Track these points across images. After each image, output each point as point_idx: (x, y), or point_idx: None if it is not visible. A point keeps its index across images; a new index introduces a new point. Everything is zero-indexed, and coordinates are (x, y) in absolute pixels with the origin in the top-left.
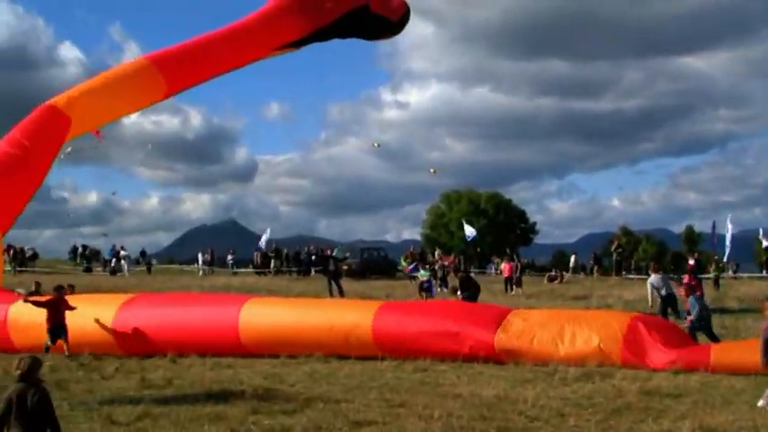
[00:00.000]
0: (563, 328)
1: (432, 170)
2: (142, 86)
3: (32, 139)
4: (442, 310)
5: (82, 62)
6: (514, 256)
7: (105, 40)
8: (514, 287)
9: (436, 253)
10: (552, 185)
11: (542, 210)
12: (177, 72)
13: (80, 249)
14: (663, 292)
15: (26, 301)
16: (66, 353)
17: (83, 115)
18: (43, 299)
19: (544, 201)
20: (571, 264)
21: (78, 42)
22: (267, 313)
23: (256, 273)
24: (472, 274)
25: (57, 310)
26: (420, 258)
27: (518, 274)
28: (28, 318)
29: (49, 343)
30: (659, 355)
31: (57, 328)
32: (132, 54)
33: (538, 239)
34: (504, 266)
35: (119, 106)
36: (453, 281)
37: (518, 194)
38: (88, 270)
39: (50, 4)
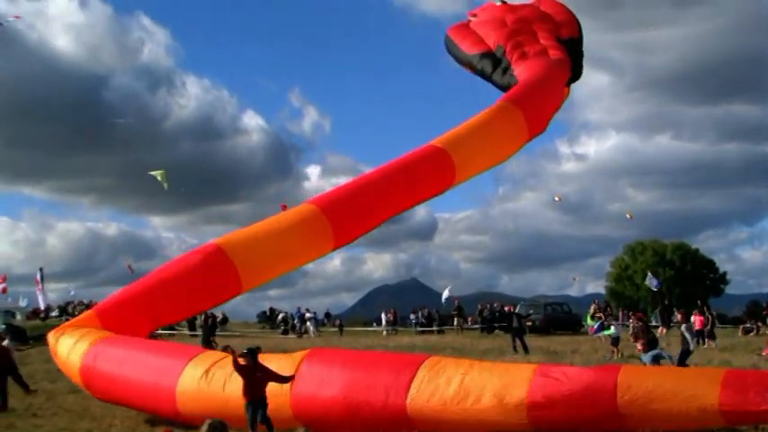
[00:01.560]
0: None
1: (628, 215)
2: (310, 236)
3: (194, 280)
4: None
5: (264, 129)
6: (705, 308)
7: (285, 106)
8: (707, 340)
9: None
10: (742, 233)
11: (733, 258)
12: (346, 221)
13: (268, 312)
14: None
15: (225, 349)
16: None
17: (248, 264)
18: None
19: (734, 249)
20: None
21: (260, 110)
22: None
23: (438, 331)
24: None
25: (253, 380)
26: (604, 314)
27: (709, 327)
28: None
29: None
30: None
31: (256, 403)
32: (311, 119)
33: (729, 290)
34: (696, 319)
35: (285, 258)
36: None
37: (705, 243)
38: (285, 333)
39: (234, 75)
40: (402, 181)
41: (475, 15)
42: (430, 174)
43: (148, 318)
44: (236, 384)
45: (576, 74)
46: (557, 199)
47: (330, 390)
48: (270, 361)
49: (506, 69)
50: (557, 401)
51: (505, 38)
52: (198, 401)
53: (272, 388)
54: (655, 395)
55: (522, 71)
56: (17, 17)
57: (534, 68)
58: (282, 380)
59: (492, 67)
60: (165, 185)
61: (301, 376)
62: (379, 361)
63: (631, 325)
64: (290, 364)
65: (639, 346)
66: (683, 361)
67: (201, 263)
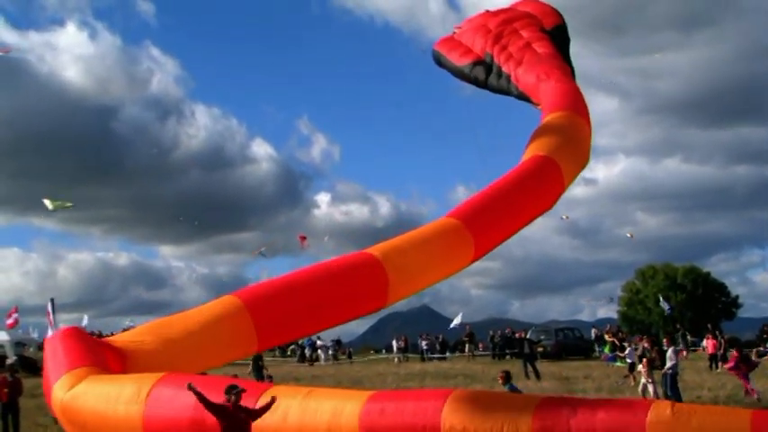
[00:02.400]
0: None
1: (629, 234)
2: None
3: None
4: None
5: (273, 157)
6: (717, 332)
7: (294, 134)
8: (720, 364)
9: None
10: (754, 256)
11: (745, 282)
12: (486, 232)
13: None
14: None
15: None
16: None
17: (400, 272)
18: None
19: (746, 272)
20: None
21: (268, 138)
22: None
23: (443, 358)
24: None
25: (232, 424)
26: (619, 345)
27: (722, 351)
28: None
29: None
30: None
31: None
32: (320, 146)
33: (742, 313)
34: (708, 343)
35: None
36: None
37: (717, 267)
38: (303, 359)
39: (242, 104)
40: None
41: (460, 28)
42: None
43: (303, 318)
44: None
45: (567, 62)
46: (564, 218)
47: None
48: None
49: (500, 74)
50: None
51: (491, 43)
52: None
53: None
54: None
55: (524, 72)
56: (7, 51)
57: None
58: (263, 411)
59: (485, 74)
60: (51, 207)
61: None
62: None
63: (641, 347)
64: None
65: (641, 368)
66: (674, 385)
67: (352, 269)
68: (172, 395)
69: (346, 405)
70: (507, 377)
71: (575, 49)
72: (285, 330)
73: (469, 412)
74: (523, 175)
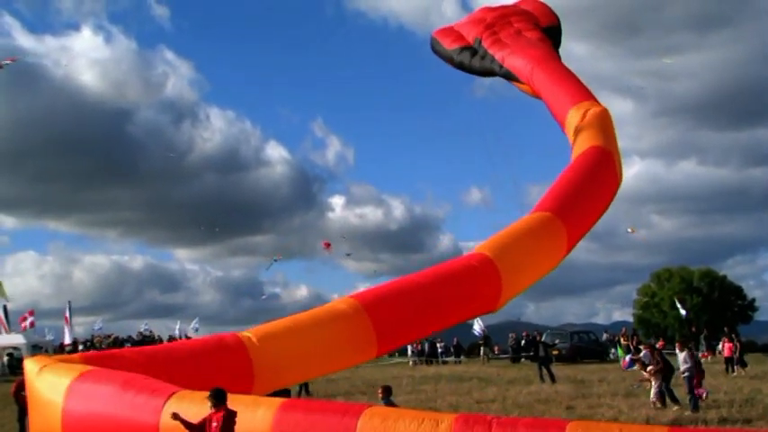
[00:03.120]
0: None
1: (630, 230)
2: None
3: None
4: None
5: (287, 160)
6: (732, 336)
7: (308, 136)
8: (737, 367)
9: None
10: None
11: (762, 285)
12: (576, 222)
13: None
14: None
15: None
16: None
17: (511, 277)
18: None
19: (763, 275)
20: None
21: (283, 140)
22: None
23: (458, 361)
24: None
25: None
26: (632, 342)
27: (737, 354)
28: None
29: None
30: None
31: None
32: (334, 149)
33: (758, 316)
34: (724, 346)
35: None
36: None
37: (733, 270)
38: None
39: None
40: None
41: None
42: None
43: (420, 320)
44: None
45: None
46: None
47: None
48: None
49: (485, 56)
50: None
51: (482, 30)
52: None
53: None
54: None
55: (510, 54)
56: (13, 60)
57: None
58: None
59: (470, 57)
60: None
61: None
62: (135, 381)
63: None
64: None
65: (646, 374)
66: (691, 388)
67: (468, 270)
68: (91, 390)
69: (257, 412)
70: (386, 391)
71: (589, 51)
72: (403, 332)
73: (382, 430)
74: (593, 166)
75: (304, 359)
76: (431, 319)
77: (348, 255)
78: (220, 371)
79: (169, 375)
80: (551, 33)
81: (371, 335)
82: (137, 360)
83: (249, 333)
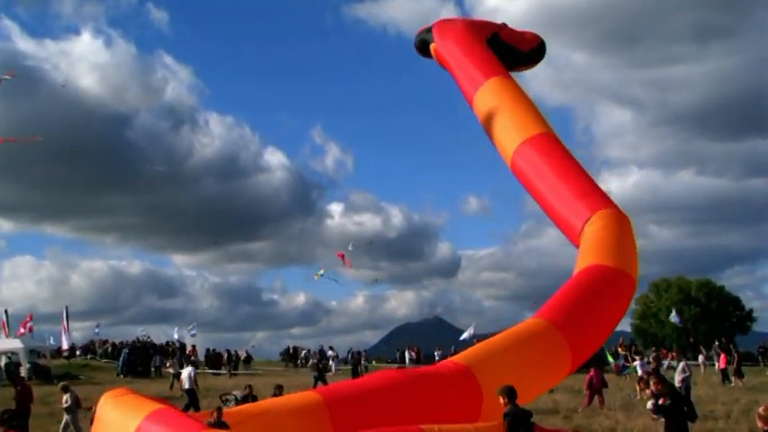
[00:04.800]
0: None
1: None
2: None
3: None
4: None
5: (286, 166)
6: (731, 346)
7: (307, 143)
8: (734, 378)
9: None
10: None
11: (760, 296)
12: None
13: (291, 350)
14: None
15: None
16: None
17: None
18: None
19: (762, 286)
20: None
21: (282, 146)
22: None
23: None
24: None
25: None
26: (629, 351)
27: (734, 365)
28: None
29: None
30: None
31: None
32: (333, 156)
33: (756, 327)
34: (721, 357)
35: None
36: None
37: (731, 280)
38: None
39: (256, 112)
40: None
41: None
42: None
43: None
44: None
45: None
46: None
47: None
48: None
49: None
50: None
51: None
52: None
53: None
54: None
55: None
56: (12, 75)
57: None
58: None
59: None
60: None
61: None
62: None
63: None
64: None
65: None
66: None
67: (609, 283)
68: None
69: (128, 419)
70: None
71: (588, 60)
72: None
73: None
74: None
75: (521, 383)
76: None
77: (368, 244)
78: (448, 399)
79: (384, 405)
80: (519, 53)
81: (567, 354)
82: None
83: (462, 360)
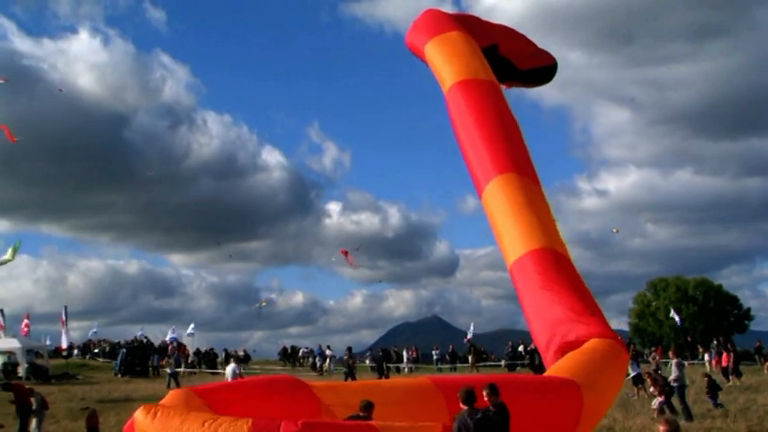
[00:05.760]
0: None
1: (615, 230)
2: None
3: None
4: None
5: (284, 165)
6: (729, 345)
7: (305, 141)
8: (732, 377)
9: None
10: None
11: (758, 295)
12: None
13: (289, 350)
14: None
15: None
16: None
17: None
18: None
19: (759, 285)
20: None
21: (279, 145)
22: None
23: (454, 368)
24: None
25: None
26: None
27: (732, 364)
28: None
29: None
30: None
31: None
32: (331, 155)
33: (754, 326)
34: (722, 356)
35: None
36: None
37: (729, 280)
38: (313, 368)
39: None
40: None
41: None
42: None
43: None
44: None
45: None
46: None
47: None
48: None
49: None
50: None
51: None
52: None
53: None
54: None
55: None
56: (5, 80)
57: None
58: None
59: None
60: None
61: None
62: None
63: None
64: None
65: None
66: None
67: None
68: None
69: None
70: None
71: (585, 59)
72: None
73: None
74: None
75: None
76: None
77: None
78: (553, 406)
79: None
80: (517, 70)
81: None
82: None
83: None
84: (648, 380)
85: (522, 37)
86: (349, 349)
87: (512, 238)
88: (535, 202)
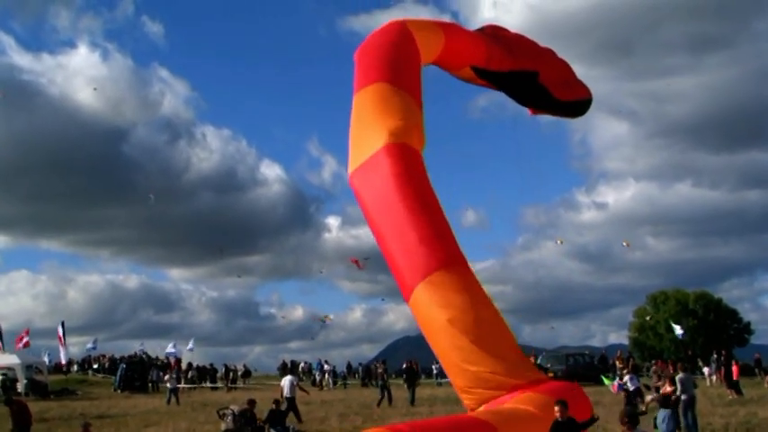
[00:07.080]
0: None
1: (625, 243)
2: None
3: None
4: None
5: (283, 179)
6: (731, 358)
7: (304, 155)
8: (731, 391)
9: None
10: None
11: (758, 308)
12: None
13: (288, 364)
14: None
15: None
16: None
17: None
18: None
19: (759, 298)
20: None
21: (278, 159)
22: None
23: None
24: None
25: None
26: (627, 364)
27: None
28: None
29: None
30: None
31: None
32: (330, 168)
33: (754, 340)
34: (707, 369)
35: None
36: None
37: (729, 293)
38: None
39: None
40: None
41: None
42: None
43: None
44: None
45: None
46: (558, 242)
47: None
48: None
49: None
50: None
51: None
52: None
53: None
54: None
55: None
56: (2, 94)
57: None
58: None
59: None
60: None
61: None
62: None
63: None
64: None
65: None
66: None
67: None
68: None
69: None
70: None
71: (583, 71)
72: None
73: None
74: None
75: None
76: None
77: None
78: None
79: None
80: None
81: None
82: None
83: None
84: (648, 393)
85: (564, 64)
86: (383, 362)
87: None
88: None
